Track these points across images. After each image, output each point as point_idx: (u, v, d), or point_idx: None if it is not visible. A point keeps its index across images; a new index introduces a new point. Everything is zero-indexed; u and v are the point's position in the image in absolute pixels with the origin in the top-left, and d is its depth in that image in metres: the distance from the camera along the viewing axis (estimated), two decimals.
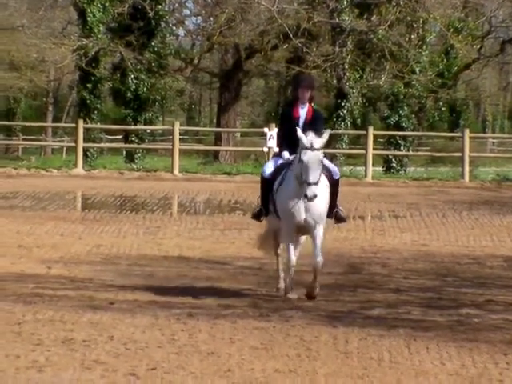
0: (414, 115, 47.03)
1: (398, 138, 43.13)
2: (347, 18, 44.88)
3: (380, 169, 42.16)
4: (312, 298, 12.17)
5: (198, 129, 57.06)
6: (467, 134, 40.00)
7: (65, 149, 47.94)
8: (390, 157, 43.10)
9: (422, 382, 10.38)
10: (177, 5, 51.49)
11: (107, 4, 44.77)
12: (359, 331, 11.43)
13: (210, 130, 52.97)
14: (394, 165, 43.92)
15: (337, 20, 45.39)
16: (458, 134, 43.76)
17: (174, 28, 51.43)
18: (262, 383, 9.56)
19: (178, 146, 39.41)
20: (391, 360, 10.68)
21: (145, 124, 45.77)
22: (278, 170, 12.25)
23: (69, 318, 13.51)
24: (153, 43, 46.25)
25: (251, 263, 18.70)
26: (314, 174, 11.48)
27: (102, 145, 45.56)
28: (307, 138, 11.53)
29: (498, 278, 18.47)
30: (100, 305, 14.60)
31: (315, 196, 11.58)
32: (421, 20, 45.80)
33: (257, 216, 12.97)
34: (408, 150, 44.93)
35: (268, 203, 12.36)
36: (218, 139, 47.46)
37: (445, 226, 25.23)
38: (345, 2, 45.38)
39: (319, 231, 12.11)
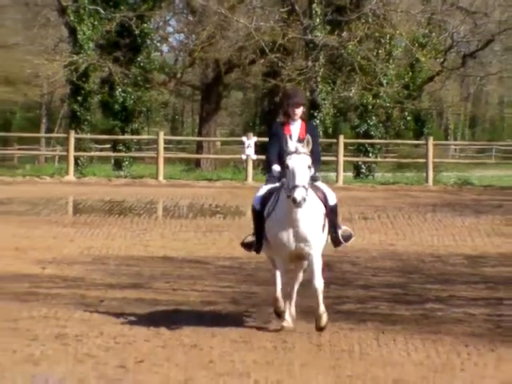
0: (381, 124, 47.13)
1: (366, 145, 43.62)
2: (319, 35, 45.11)
3: (350, 174, 42.89)
4: (321, 330, 10.60)
5: (181, 138, 58.01)
6: (431, 141, 40.90)
7: (57, 157, 48.64)
8: (360, 163, 43.51)
9: (389, 372, 10.28)
10: (161, 23, 51.99)
11: (96, 22, 45.15)
12: (331, 325, 11.30)
13: (192, 140, 53.36)
14: (364, 170, 44.14)
15: (310, 36, 45.54)
16: (423, 142, 44.46)
17: (159, 44, 51.67)
18: (241, 374, 9.45)
19: (162, 154, 39.95)
20: (361, 351, 10.60)
21: (131, 134, 46.19)
22: (267, 197, 10.84)
23: (62, 314, 13.48)
24: (139, 59, 46.67)
25: (231, 263, 18.67)
26: (301, 177, 10.00)
27: (92, 154, 45.67)
28: (292, 143, 10.30)
29: (460, 275, 18.36)
30: (91, 302, 14.56)
31: (304, 200, 9.99)
32: (388, 36, 46.27)
33: (246, 247, 11.36)
34: (376, 157, 45.33)
35: (262, 236, 10.85)
36: (199, 148, 47.89)
37: (410, 227, 25.13)
38: (317, 20, 45.54)
39: (315, 257, 10.61)
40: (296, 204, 9.80)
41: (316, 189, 10.57)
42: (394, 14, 46.69)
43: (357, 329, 11.25)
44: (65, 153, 41.71)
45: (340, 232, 10.85)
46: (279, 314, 10.75)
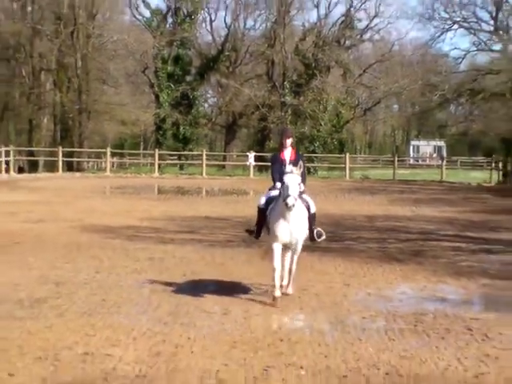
0: (321, 146, 58.84)
1: (313, 157, 52.54)
2: (288, 98, 58.74)
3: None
4: (287, 295, 11.68)
5: (215, 153, 61.77)
6: (347, 155, 50.87)
7: (149, 164, 54.43)
8: (310, 167, 50.19)
9: (325, 277, 13.49)
10: (204, 91, 67.14)
11: (169, 92, 59.39)
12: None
13: (220, 154, 60.78)
14: (312, 170, 52.35)
15: (282, 99, 58.72)
16: (343, 155, 52.17)
17: (203, 103, 65.17)
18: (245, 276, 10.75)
19: (205, 161, 49.14)
20: (311, 266, 13.68)
21: (188, 151, 57.62)
22: (269, 201, 11.68)
23: (152, 247, 16.77)
24: (192, 111, 60.64)
25: (242, 219, 21.22)
26: (293, 189, 10.89)
27: (167, 162, 54.63)
28: (289, 167, 11.23)
29: (363, 226, 22.35)
30: (167, 240, 17.95)
31: (293, 205, 10.90)
32: (324, 99, 58.73)
33: (249, 232, 12.42)
34: (318, 163, 55.06)
35: (262, 228, 11.81)
36: (224, 158, 57.67)
37: (337, 201, 30.89)
38: (286, 90, 59.16)
39: (297, 246, 11.62)
40: (288, 208, 10.91)
41: (302, 200, 11.58)
42: (327, 86, 59.97)
43: (309, 255, 13.24)
44: (153, 161, 51.22)
45: (315, 231, 11.99)
46: (274, 296, 11.46)
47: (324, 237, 12.12)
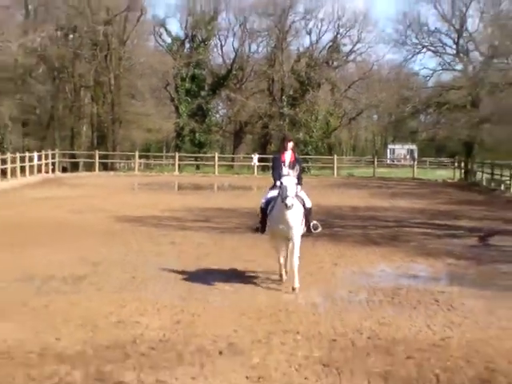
0: (313, 149, 58.72)
1: (307, 158, 52.30)
2: (286, 109, 59.12)
3: None
4: (294, 290, 10.78)
5: (225, 155, 60.71)
6: (335, 156, 51.40)
7: (170, 164, 54.05)
8: (305, 167, 47.35)
9: (317, 258, 13.52)
10: (216, 104, 66.05)
11: (187, 104, 59.31)
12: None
13: (230, 156, 60.43)
14: (306, 170, 49.17)
15: (281, 110, 59.11)
16: (332, 157, 52.27)
17: (215, 114, 64.93)
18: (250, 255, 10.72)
19: (216, 162, 49.61)
20: (306, 251, 12.10)
21: (203, 153, 57.08)
22: (269, 201, 11.27)
23: (172, 233, 17.14)
24: (206, 120, 60.45)
25: (248, 210, 21.02)
26: (291, 190, 10.47)
27: (185, 162, 54.71)
28: (286, 170, 10.74)
29: (348, 215, 22.71)
30: (185, 228, 18.38)
31: (292, 204, 10.47)
32: (316, 110, 59.76)
33: (255, 230, 11.89)
34: (311, 163, 54.81)
35: (265, 224, 11.30)
36: (233, 159, 57.68)
37: (327, 194, 30.15)
38: (284, 103, 59.56)
39: (296, 240, 10.99)
40: (287, 207, 10.45)
41: (298, 197, 10.99)
42: (318, 100, 60.25)
43: (304, 241, 11.79)
44: (173, 162, 51.03)
45: (312, 224, 11.41)
46: (280, 275, 11.41)
47: (320, 229, 11.59)
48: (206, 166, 52.83)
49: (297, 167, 10.76)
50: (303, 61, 60.07)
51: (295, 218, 10.75)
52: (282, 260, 11.25)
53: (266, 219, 11.16)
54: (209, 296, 10.33)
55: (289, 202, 10.31)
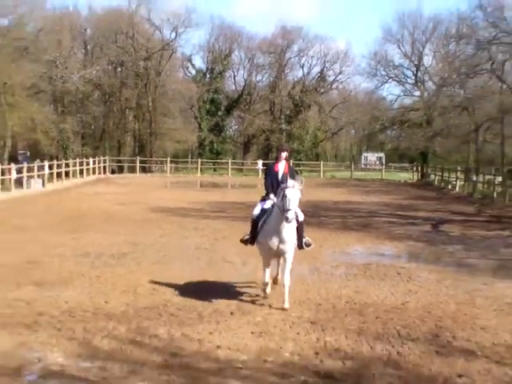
0: (305, 157, 58.10)
1: (300, 164, 51.35)
2: (284, 126, 59.19)
3: None
4: (284, 309, 7.97)
5: (236, 161, 58.66)
6: (321, 162, 50.93)
7: (194, 168, 52.55)
8: (298, 170, 47.91)
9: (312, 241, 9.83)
10: (228, 121, 63.29)
11: (207, 121, 58.75)
12: None
13: (240, 161, 59.12)
14: (299, 173, 44.37)
15: (279, 126, 58.95)
16: (319, 162, 51.89)
17: (229, 129, 63.59)
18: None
19: (230, 166, 48.75)
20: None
21: (219, 160, 55.87)
22: (262, 213, 8.49)
23: (196, 221, 17.09)
24: (222, 134, 60.02)
25: (254, 204, 15.66)
26: (293, 204, 7.81)
27: (205, 166, 53.42)
28: (291, 182, 8.00)
29: (331, 208, 22.11)
30: (205, 217, 18.16)
31: (293, 218, 7.82)
32: (307, 126, 60.15)
33: (244, 242, 8.89)
34: (302, 167, 51.90)
35: (254, 237, 8.50)
36: (242, 164, 56.70)
37: (314, 191, 28.11)
38: (282, 121, 59.51)
39: (289, 256, 8.16)
40: (288, 221, 7.79)
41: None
42: (309, 118, 60.39)
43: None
44: (196, 166, 49.47)
45: (304, 240, 8.56)
46: (264, 291, 8.48)
47: (313, 245, 8.85)
48: (222, 169, 52.05)
49: (302, 179, 8.12)
50: (297, 88, 60.27)
51: (291, 233, 8.12)
52: (267, 277, 8.38)
53: (255, 232, 8.48)
54: (223, 269, 10.19)
55: (290, 215, 7.71)
